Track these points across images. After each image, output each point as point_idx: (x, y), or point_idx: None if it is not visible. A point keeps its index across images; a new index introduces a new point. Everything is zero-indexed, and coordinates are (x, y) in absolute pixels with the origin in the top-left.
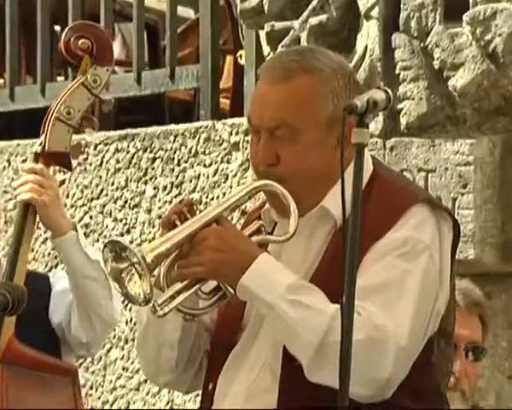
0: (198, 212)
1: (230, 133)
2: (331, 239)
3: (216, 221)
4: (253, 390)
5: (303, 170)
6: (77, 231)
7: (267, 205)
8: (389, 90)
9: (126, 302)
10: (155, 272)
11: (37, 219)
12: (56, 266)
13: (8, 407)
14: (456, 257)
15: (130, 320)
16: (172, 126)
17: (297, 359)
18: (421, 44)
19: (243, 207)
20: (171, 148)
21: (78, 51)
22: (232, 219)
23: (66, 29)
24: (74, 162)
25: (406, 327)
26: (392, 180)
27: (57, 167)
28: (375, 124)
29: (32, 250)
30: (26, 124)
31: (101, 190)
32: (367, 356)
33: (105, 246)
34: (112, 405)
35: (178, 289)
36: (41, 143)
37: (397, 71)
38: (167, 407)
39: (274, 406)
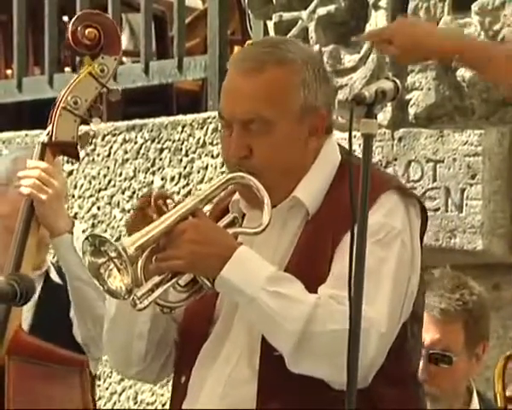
0: (173, 205)
1: None
2: (303, 229)
3: (192, 214)
4: (230, 382)
5: (276, 162)
6: (72, 233)
7: (235, 196)
8: (397, 81)
9: None
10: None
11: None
12: None
13: (15, 399)
14: (465, 248)
15: None
16: (180, 117)
17: (277, 350)
18: None
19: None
20: (179, 138)
21: (85, 40)
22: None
23: (73, 19)
24: (82, 152)
25: (385, 314)
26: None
27: (65, 158)
28: (384, 114)
29: (37, 242)
30: (34, 114)
31: (109, 181)
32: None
33: (86, 238)
34: (120, 395)
35: (156, 283)
36: (48, 134)
37: None
38: None
39: (253, 397)
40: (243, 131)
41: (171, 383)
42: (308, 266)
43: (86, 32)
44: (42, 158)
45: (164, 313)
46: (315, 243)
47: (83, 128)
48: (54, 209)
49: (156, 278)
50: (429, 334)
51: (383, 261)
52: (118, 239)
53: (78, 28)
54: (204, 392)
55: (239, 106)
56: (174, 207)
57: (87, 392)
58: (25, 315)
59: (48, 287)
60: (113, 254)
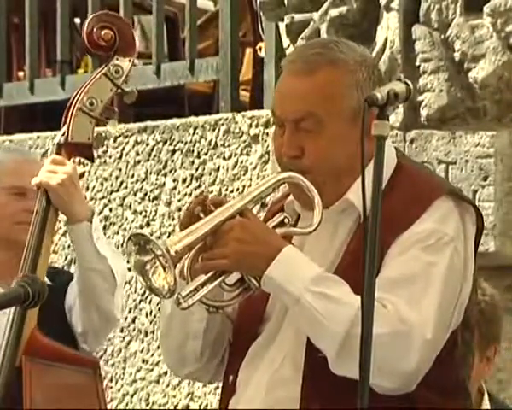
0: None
1: (250, 125)
2: (355, 231)
3: (240, 213)
4: (273, 383)
5: (327, 162)
6: (91, 222)
7: (290, 197)
8: (409, 82)
9: (147, 294)
10: (179, 265)
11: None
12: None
13: (34, 400)
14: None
15: (150, 313)
16: (192, 119)
17: (321, 351)
18: (442, 36)
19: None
20: (191, 140)
21: (101, 42)
22: (258, 213)
23: (89, 18)
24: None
25: (431, 319)
26: (417, 172)
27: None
28: (396, 116)
29: (52, 242)
30: (47, 116)
31: (121, 183)
32: (392, 349)
33: (129, 239)
34: (132, 397)
35: (202, 282)
36: (64, 134)
37: (417, 63)
38: (187, 399)
39: (296, 396)
40: (295, 130)
41: (183, 385)
42: (357, 269)
43: (102, 33)
44: None
45: (210, 312)
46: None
47: (97, 130)
48: (69, 194)
49: (202, 277)
50: None
51: (432, 266)
52: None
53: (94, 29)
54: (248, 392)
55: (290, 105)
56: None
57: (101, 392)
58: None
59: None
60: (158, 252)
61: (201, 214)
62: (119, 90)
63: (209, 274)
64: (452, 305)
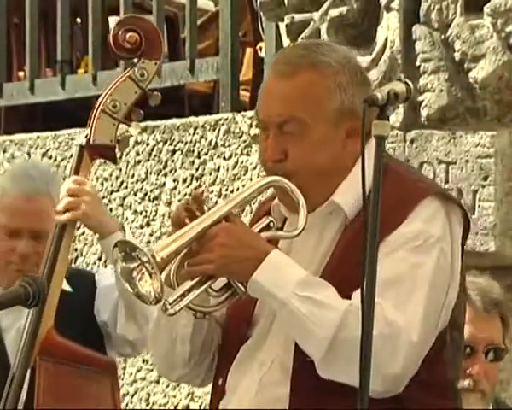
0: (207, 209)
1: (250, 125)
2: (342, 234)
3: (225, 218)
4: (263, 384)
5: (311, 165)
6: (124, 230)
7: (276, 200)
8: (410, 82)
9: None
10: (166, 271)
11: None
12: (76, 259)
13: (46, 400)
14: (477, 250)
15: None
16: (192, 119)
17: (308, 355)
18: (442, 36)
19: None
20: (191, 140)
21: (127, 44)
22: (248, 213)
23: (116, 22)
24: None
25: (418, 322)
26: (403, 173)
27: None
28: (396, 116)
29: (64, 271)
30: (47, 116)
31: (121, 183)
32: (379, 352)
33: (114, 246)
34: (132, 397)
35: (189, 288)
36: (86, 136)
37: (417, 63)
38: (187, 399)
39: (285, 400)
40: (279, 134)
41: (183, 385)
42: (345, 271)
43: (127, 35)
44: (80, 160)
45: (197, 318)
46: (352, 248)
47: (122, 132)
48: (96, 213)
49: (188, 283)
50: (479, 330)
51: (419, 268)
52: None
53: (120, 32)
54: (237, 395)
55: (273, 108)
56: (208, 211)
57: (117, 394)
58: None
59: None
60: (144, 259)
61: (187, 220)
62: (143, 93)
63: (195, 280)
64: (439, 306)
